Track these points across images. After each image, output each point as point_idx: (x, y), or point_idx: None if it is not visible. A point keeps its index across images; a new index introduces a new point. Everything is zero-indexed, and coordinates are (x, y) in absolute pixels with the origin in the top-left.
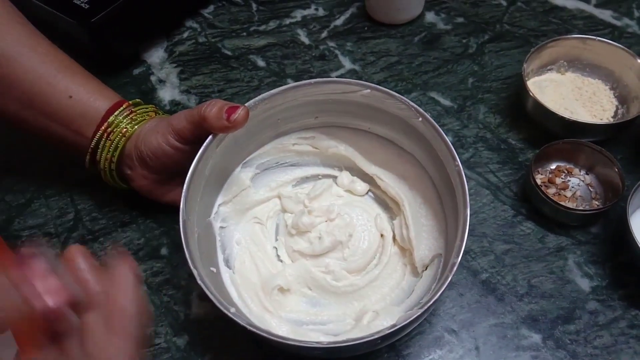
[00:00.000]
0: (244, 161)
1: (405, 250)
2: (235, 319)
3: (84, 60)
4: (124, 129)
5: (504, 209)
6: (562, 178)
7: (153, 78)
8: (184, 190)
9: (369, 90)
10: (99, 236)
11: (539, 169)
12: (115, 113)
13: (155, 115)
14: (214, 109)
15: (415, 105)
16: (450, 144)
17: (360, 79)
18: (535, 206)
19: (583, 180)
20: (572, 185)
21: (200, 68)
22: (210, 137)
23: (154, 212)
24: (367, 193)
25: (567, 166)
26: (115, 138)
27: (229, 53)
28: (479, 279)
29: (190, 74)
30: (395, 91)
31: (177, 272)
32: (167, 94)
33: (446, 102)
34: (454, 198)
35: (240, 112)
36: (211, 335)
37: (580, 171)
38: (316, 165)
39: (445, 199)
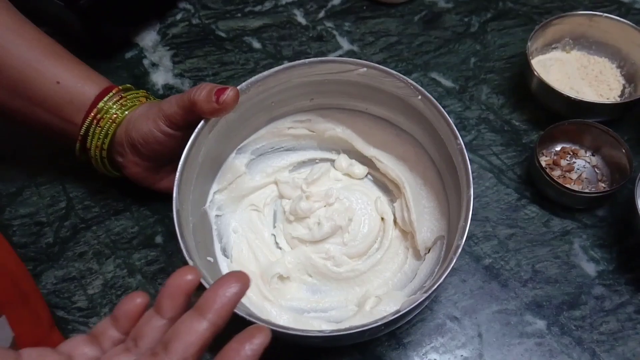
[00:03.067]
0: (238, 147)
1: (407, 234)
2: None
3: (74, 44)
4: (114, 115)
5: (508, 193)
6: (567, 160)
7: (146, 62)
8: (176, 178)
9: (365, 69)
10: (91, 224)
11: (544, 151)
12: (105, 99)
13: (146, 100)
14: (203, 92)
15: (414, 83)
16: (451, 121)
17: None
18: (539, 189)
19: (589, 162)
20: (578, 167)
21: (194, 51)
22: (202, 122)
23: (148, 199)
24: (366, 176)
25: (573, 147)
26: (105, 125)
27: (224, 35)
28: (481, 265)
29: (183, 56)
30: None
31: (172, 261)
32: (160, 77)
33: (448, 83)
34: (455, 178)
35: (229, 93)
36: None
37: (586, 153)
38: (313, 149)
39: (446, 179)
